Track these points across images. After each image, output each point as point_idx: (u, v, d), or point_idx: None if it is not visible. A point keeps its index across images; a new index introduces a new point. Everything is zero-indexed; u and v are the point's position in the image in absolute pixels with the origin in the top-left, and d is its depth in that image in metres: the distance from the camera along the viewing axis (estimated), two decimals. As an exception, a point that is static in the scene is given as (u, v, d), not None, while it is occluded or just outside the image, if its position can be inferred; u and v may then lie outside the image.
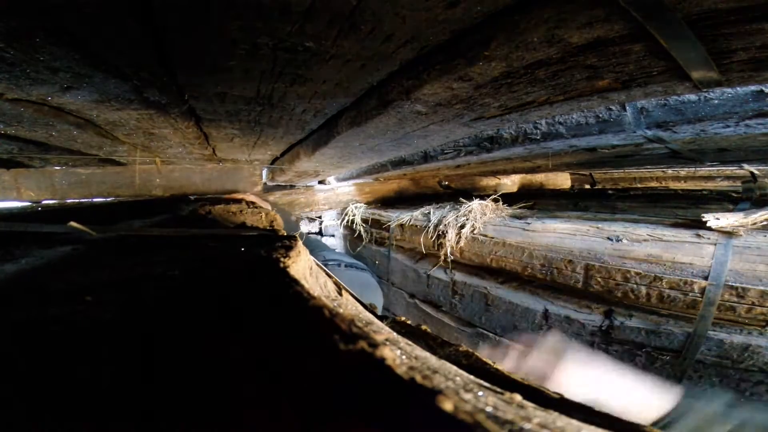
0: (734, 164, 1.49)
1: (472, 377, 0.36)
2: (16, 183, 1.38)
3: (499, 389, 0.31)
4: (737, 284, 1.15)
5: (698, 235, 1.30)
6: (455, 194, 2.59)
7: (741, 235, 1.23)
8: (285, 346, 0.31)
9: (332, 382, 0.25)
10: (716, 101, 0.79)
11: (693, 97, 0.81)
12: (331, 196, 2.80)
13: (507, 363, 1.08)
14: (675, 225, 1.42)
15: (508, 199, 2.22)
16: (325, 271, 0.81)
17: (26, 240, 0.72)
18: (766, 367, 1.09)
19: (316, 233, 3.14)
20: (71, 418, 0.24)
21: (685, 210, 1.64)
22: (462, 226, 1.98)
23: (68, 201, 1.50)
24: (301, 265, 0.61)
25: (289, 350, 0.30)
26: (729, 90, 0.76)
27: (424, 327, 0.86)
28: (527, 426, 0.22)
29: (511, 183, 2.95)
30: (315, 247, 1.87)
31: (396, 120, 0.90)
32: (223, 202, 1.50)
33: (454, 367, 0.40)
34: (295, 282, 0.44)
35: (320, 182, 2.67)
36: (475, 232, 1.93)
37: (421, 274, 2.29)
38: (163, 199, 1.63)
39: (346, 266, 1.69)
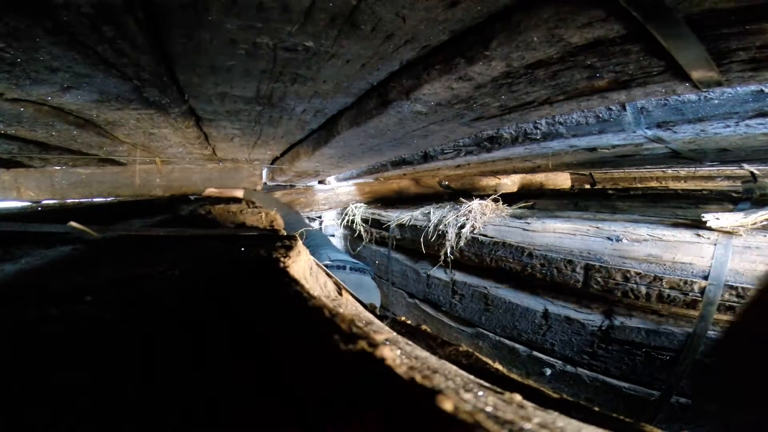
0: (734, 164, 1.49)
1: (472, 377, 0.36)
2: (16, 183, 1.38)
3: (499, 389, 0.31)
4: (737, 284, 1.15)
5: (698, 235, 1.30)
6: (455, 194, 2.59)
7: (741, 235, 1.23)
8: (285, 345, 0.31)
9: (332, 381, 0.25)
10: (716, 101, 0.78)
11: (693, 96, 0.81)
12: (331, 196, 2.80)
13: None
14: (675, 225, 1.42)
15: (508, 199, 2.22)
16: (325, 270, 0.81)
17: (26, 240, 0.71)
18: (766, 367, 1.09)
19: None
20: (71, 418, 0.24)
21: (685, 210, 1.64)
22: (462, 226, 1.98)
23: (68, 201, 1.50)
24: (301, 265, 0.61)
25: (289, 350, 0.30)
26: (729, 90, 0.76)
27: (424, 327, 0.86)
28: (527, 426, 0.22)
29: (511, 183, 2.95)
30: (320, 244, 1.85)
31: (396, 120, 0.90)
32: (223, 201, 1.50)
33: (454, 367, 0.40)
34: (295, 282, 0.44)
35: (320, 182, 2.68)
36: (475, 232, 1.93)
37: (421, 274, 2.29)
38: (163, 199, 1.63)
39: (351, 269, 1.67)
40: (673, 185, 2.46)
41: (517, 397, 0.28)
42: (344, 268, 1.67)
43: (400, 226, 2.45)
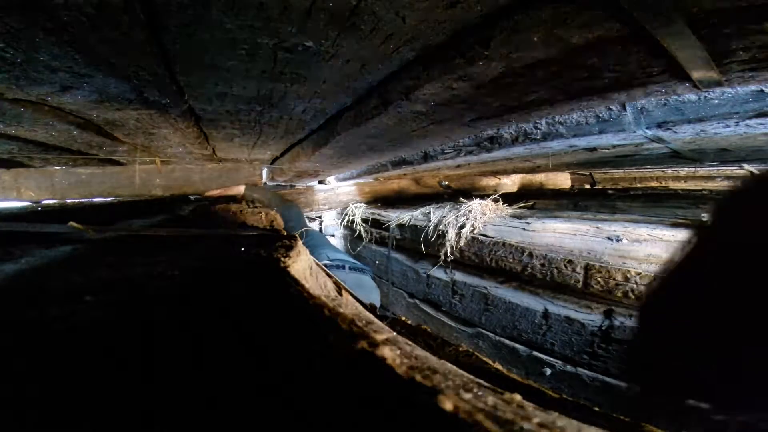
0: (734, 164, 1.49)
1: (471, 377, 0.36)
2: (16, 183, 1.38)
3: (498, 389, 0.30)
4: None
5: (698, 235, 1.29)
6: (455, 194, 2.59)
7: (741, 235, 1.23)
8: (285, 345, 0.31)
9: (332, 381, 0.25)
10: (716, 101, 0.78)
11: (693, 96, 0.81)
12: (331, 196, 2.80)
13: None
14: (675, 225, 1.42)
15: (508, 199, 2.22)
16: (324, 270, 0.81)
17: (26, 240, 0.71)
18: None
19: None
20: (71, 419, 0.24)
21: (685, 210, 1.64)
22: (462, 226, 1.98)
23: (68, 201, 1.50)
24: (301, 265, 0.61)
25: (289, 349, 0.30)
26: (729, 90, 0.76)
27: (424, 327, 0.86)
28: (527, 426, 0.22)
29: (511, 183, 2.95)
30: (318, 244, 1.84)
31: (396, 120, 0.90)
32: (223, 201, 1.50)
33: (454, 367, 0.40)
34: (295, 282, 0.44)
35: (320, 182, 2.68)
36: (475, 232, 1.93)
37: (421, 274, 2.29)
38: (163, 199, 1.63)
39: (350, 269, 1.67)
40: (673, 185, 2.46)
41: (517, 397, 0.28)
42: (343, 267, 1.66)
43: (400, 226, 2.45)
